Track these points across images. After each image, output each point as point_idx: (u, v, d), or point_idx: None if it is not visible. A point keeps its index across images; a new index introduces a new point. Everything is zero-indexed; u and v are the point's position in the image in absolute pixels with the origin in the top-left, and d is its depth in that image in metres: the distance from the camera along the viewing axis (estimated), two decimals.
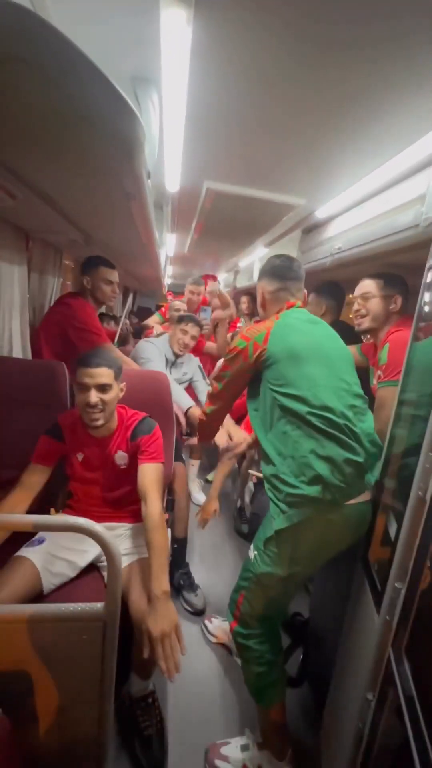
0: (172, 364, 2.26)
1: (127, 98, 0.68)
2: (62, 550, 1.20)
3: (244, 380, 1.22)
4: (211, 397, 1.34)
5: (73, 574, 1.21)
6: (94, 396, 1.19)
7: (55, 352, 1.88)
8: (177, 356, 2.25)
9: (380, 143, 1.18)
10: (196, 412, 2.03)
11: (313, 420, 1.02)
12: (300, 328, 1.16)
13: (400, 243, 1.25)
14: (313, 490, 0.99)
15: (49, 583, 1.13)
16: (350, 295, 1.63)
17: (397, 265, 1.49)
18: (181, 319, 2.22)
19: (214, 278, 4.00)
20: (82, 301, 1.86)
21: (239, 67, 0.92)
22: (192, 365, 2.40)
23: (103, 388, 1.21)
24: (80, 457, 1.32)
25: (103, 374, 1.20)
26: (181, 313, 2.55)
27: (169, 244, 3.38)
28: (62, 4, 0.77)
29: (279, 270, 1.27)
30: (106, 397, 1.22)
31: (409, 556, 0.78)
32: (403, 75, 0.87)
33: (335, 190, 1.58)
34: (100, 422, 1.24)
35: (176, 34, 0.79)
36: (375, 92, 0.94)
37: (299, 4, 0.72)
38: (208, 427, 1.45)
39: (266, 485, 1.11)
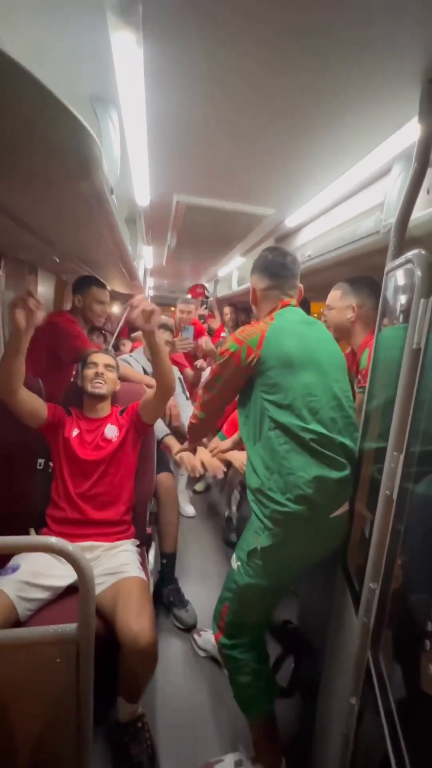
0: (151, 373, 2.23)
1: (80, 117, 0.69)
2: (39, 576, 1.16)
3: (237, 386, 1.16)
4: (203, 403, 1.27)
5: (50, 598, 1.17)
6: (101, 368, 1.49)
7: (39, 373, 1.88)
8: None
9: (341, 152, 1.22)
10: (170, 442, 1.93)
11: (305, 437, 1.00)
12: (295, 332, 1.11)
13: (363, 249, 1.29)
14: (298, 508, 0.98)
15: (25, 610, 1.10)
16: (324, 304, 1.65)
17: (372, 268, 1.52)
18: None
19: (203, 287, 3.99)
20: (68, 317, 1.90)
21: (196, 85, 0.94)
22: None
23: (108, 366, 1.52)
24: (75, 432, 1.46)
25: (109, 359, 1.55)
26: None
27: (147, 257, 3.41)
28: (11, 27, 0.78)
29: (271, 266, 1.20)
30: (111, 374, 1.51)
31: (382, 556, 0.78)
32: (360, 84, 0.89)
33: (301, 200, 1.63)
34: (102, 389, 1.47)
35: (128, 55, 0.81)
36: (332, 103, 0.97)
37: (250, 18, 0.73)
38: (198, 430, 1.41)
39: (250, 497, 1.10)
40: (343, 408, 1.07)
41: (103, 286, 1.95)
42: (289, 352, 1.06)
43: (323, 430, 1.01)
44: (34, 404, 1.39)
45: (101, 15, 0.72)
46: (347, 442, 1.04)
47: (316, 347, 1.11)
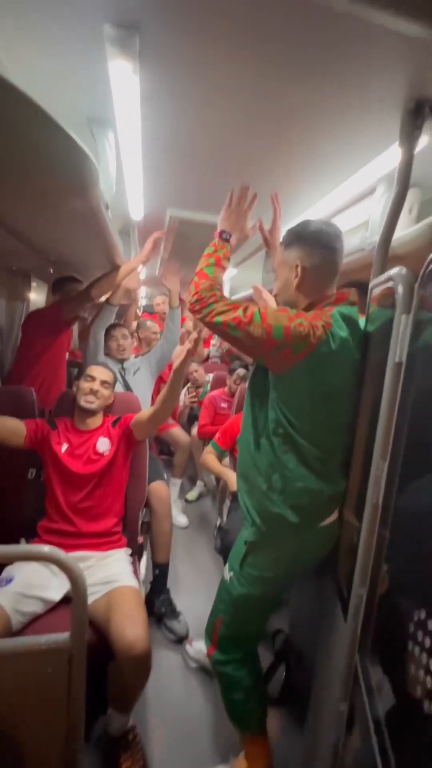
0: (122, 373, 2.14)
1: (78, 139, 0.73)
2: (33, 588, 1.15)
3: (275, 360, 0.90)
4: (215, 312, 0.92)
5: (44, 609, 1.17)
6: (97, 385, 1.49)
7: (35, 376, 1.92)
8: (122, 361, 2.14)
9: (327, 172, 1.28)
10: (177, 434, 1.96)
11: (309, 454, 0.96)
12: (346, 360, 0.92)
13: (349, 265, 1.34)
14: (290, 515, 0.98)
15: (18, 622, 1.09)
16: None
17: (358, 283, 1.58)
18: (106, 332, 2.11)
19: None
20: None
21: (189, 109, 0.99)
22: (145, 360, 2.25)
23: (104, 383, 1.53)
24: (64, 447, 1.45)
25: (107, 375, 1.55)
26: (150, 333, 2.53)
27: (139, 268, 3.45)
28: (16, 56, 0.82)
29: (324, 236, 0.91)
30: (105, 391, 1.52)
31: (369, 562, 0.81)
32: (347, 110, 0.95)
33: (290, 216, 1.68)
34: (94, 405, 1.48)
35: (125, 82, 0.85)
36: (319, 127, 1.03)
37: (241, 48, 0.78)
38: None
39: (243, 487, 1.06)
40: (352, 429, 1.03)
41: (78, 281, 2.11)
42: (331, 383, 0.92)
43: (329, 451, 0.99)
44: (7, 428, 1.39)
45: (100, 46, 0.76)
46: (348, 458, 1.05)
47: (350, 375, 0.96)
